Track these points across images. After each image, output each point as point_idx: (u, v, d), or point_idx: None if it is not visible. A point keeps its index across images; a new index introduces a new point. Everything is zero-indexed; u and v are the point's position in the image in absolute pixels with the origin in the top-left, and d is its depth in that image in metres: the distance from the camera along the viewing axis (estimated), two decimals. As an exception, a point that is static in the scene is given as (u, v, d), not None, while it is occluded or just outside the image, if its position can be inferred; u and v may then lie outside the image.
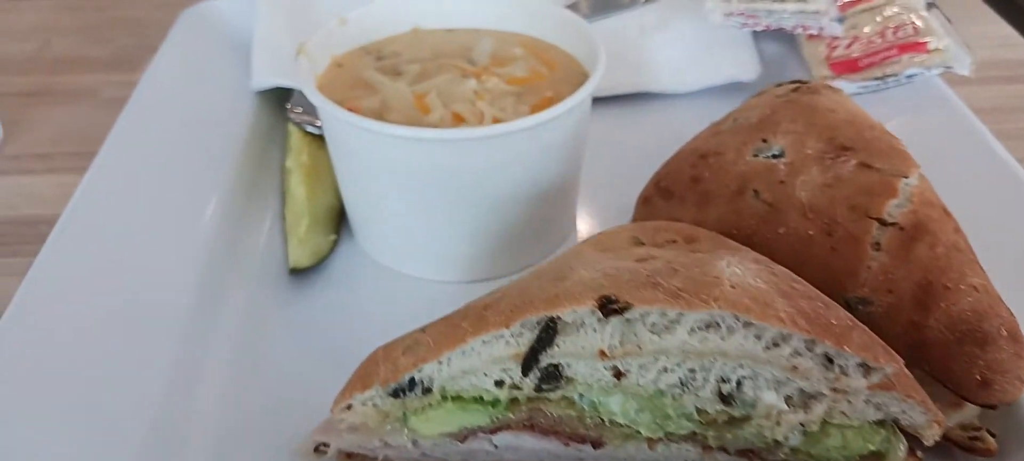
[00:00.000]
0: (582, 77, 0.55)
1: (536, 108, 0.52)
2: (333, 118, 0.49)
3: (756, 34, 0.71)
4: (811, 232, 0.43)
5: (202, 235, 0.53)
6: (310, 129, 0.61)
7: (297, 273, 0.53)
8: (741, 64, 0.70)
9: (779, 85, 0.53)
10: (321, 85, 0.54)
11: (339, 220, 0.57)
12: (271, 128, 0.66)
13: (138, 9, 0.92)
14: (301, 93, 0.64)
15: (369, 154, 0.49)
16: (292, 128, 0.62)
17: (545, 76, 0.55)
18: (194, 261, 0.51)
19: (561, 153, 0.51)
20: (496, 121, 0.50)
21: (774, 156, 0.46)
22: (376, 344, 0.48)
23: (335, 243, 0.55)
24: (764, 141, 0.46)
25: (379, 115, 0.51)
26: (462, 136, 0.46)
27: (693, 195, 0.47)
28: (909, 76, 0.63)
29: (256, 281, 0.53)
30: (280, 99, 0.67)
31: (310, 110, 0.63)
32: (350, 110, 0.50)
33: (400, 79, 0.54)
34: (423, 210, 0.50)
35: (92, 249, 0.51)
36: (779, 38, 0.71)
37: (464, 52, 0.58)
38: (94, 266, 0.50)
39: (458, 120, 0.51)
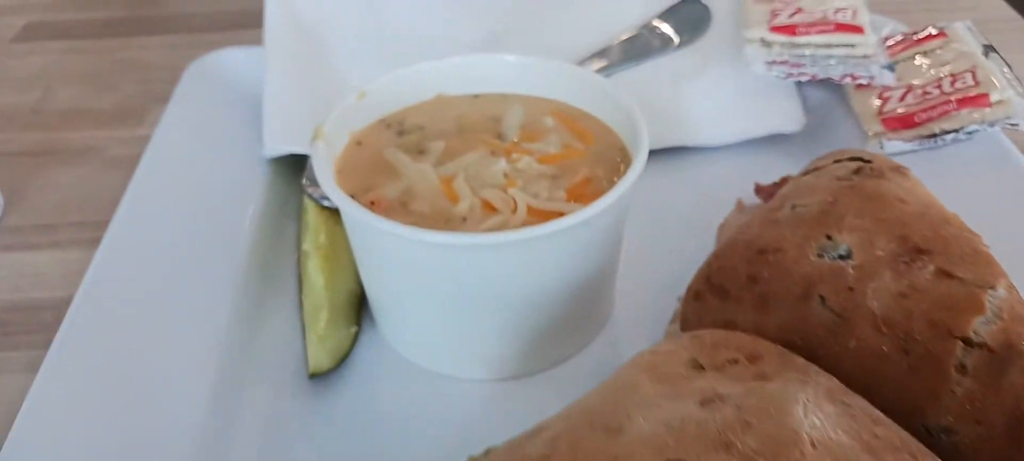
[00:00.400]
0: (619, 151, 0.51)
1: (573, 193, 0.48)
2: (356, 221, 0.45)
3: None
4: (885, 349, 0.39)
5: (216, 333, 0.49)
6: (327, 204, 0.57)
7: (323, 376, 0.49)
8: (784, 114, 0.65)
9: (837, 161, 0.48)
10: (340, 168, 0.50)
11: (360, 308, 0.53)
12: (285, 198, 0.62)
13: (147, 51, 0.89)
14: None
15: (395, 256, 0.45)
16: (308, 203, 0.58)
17: (581, 153, 0.51)
18: (208, 365, 0.47)
19: (604, 244, 0.47)
20: (530, 209, 0.46)
21: (841, 257, 0.41)
22: (402, 452, 0.44)
23: (356, 336, 0.51)
24: (828, 238, 0.42)
25: (404, 203, 0.47)
26: (498, 241, 0.42)
27: (751, 296, 0.43)
28: (969, 133, 0.59)
29: (273, 384, 0.50)
30: (294, 166, 0.63)
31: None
32: (373, 201, 0.47)
33: (424, 158, 0.50)
34: (453, 310, 0.46)
35: (100, 351, 0.48)
36: (825, 84, 0.67)
37: (492, 124, 0.54)
38: (103, 370, 0.47)
39: (488, 209, 0.47)
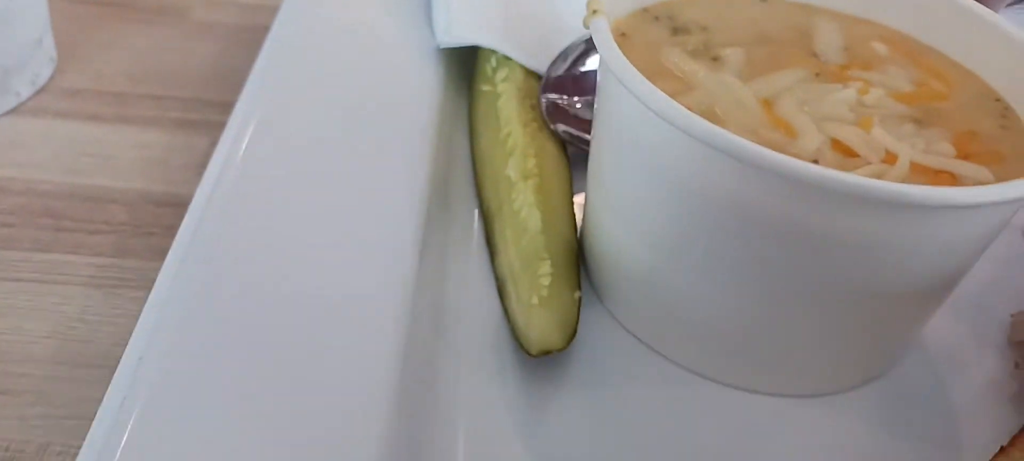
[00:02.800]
0: (994, 103, 0.36)
1: (961, 149, 0.32)
2: (665, 124, 0.29)
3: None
4: None
5: (397, 277, 0.33)
6: (564, 133, 0.41)
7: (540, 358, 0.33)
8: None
9: None
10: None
11: (579, 266, 0.37)
12: (457, 105, 0.46)
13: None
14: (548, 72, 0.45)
15: (724, 198, 0.29)
16: (503, 112, 0.42)
17: (944, 96, 0.35)
18: (388, 322, 0.31)
19: (984, 237, 0.32)
20: (915, 166, 0.30)
21: None
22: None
23: (580, 305, 0.35)
24: None
25: (706, 125, 0.31)
26: (935, 199, 0.26)
27: None
28: None
29: (470, 362, 0.34)
30: (464, 62, 0.47)
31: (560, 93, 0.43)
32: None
33: (720, 68, 0.35)
34: (758, 291, 0.31)
35: (233, 293, 0.31)
36: None
37: (799, 38, 0.38)
38: (241, 319, 0.30)
39: (842, 152, 0.31)
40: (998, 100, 0.36)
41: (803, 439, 0.33)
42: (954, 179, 0.30)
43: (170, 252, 0.32)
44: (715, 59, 0.35)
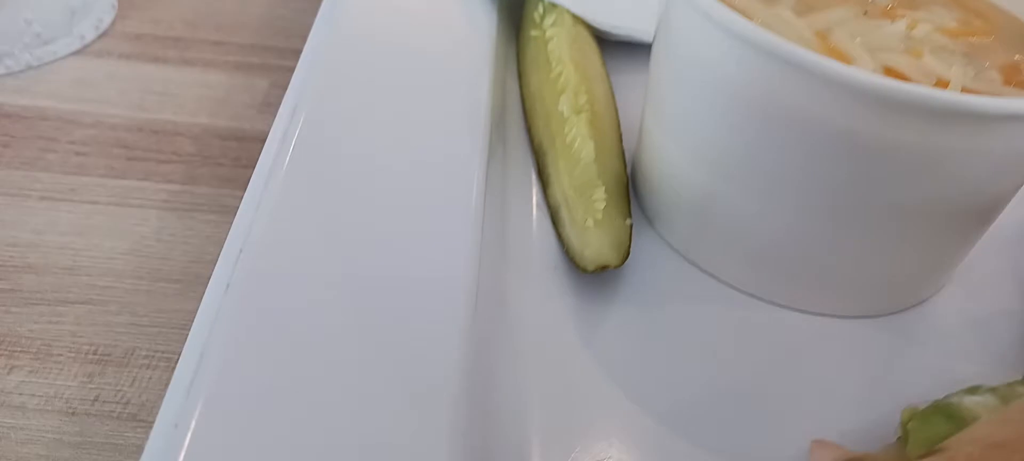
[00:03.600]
0: (1033, 42, 0.37)
1: (1009, 77, 0.34)
2: (728, 37, 0.30)
3: None
4: None
5: (466, 209, 0.35)
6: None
7: (597, 273, 0.35)
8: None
9: None
10: None
11: (630, 196, 0.39)
12: (505, 55, 0.47)
13: None
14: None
15: (774, 104, 0.30)
16: (553, 51, 0.44)
17: (988, 32, 0.37)
18: (461, 245, 0.33)
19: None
20: (965, 90, 0.32)
21: None
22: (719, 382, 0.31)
23: (631, 232, 0.37)
24: None
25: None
26: (986, 107, 0.28)
27: None
28: None
29: (533, 278, 0.35)
30: (511, 13, 0.49)
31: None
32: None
33: (776, 4, 0.36)
34: (819, 205, 0.32)
35: (316, 219, 0.33)
36: None
37: (847, -22, 0.39)
38: (324, 244, 0.32)
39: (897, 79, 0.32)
40: (1034, 37, 0.37)
41: (852, 358, 0.34)
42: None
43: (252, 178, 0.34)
44: (769, -4, 0.37)
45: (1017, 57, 0.35)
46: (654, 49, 0.37)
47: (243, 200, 0.32)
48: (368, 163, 0.35)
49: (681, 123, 0.35)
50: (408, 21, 0.44)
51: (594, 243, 0.35)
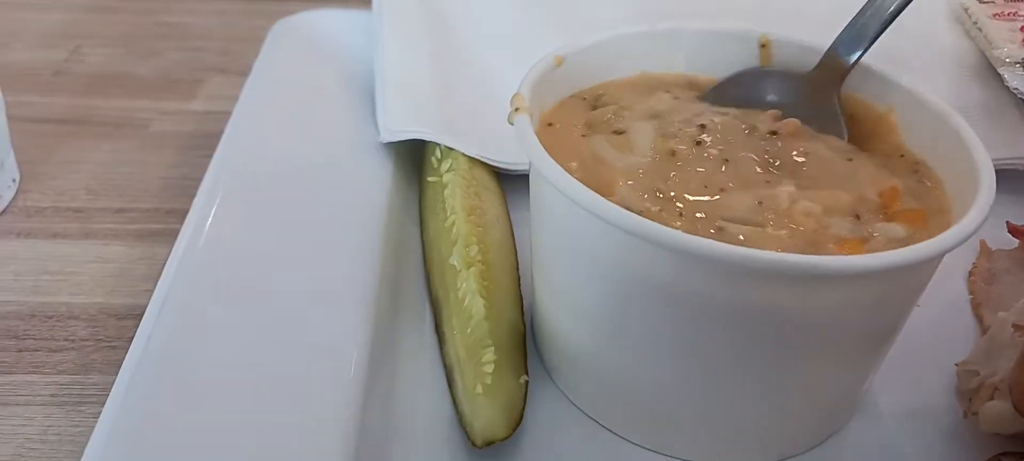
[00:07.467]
0: (910, 164, 0.37)
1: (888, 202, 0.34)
2: (604, 225, 0.30)
3: None
4: None
5: (346, 373, 0.34)
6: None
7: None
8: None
9: None
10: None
11: (525, 349, 0.38)
12: (406, 195, 0.47)
13: (191, 15, 0.74)
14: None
15: (672, 284, 0.30)
16: (448, 202, 0.44)
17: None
18: (338, 419, 0.32)
19: (909, 297, 0.33)
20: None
21: None
22: None
23: (527, 390, 0.36)
24: None
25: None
26: (810, 267, 0.28)
27: None
28: None
29: (420, 453, 0.35)
30: (415, 156, 0.49)
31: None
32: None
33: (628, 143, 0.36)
34: (696, 367, 0.32)
35: (187, 395, 0.32)
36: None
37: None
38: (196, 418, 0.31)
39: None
40: (913, 160, 0.37)
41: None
42: (863, 243, 0.32)
43: (124, 364, 0.33)
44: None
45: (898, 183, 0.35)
46: (532, 208, 0.37)
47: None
48: (254, 320, 0.35)
49: (560, 284, 0.35)
50: (298, 174, 0.44)
51: (482, 414, 0.34)
